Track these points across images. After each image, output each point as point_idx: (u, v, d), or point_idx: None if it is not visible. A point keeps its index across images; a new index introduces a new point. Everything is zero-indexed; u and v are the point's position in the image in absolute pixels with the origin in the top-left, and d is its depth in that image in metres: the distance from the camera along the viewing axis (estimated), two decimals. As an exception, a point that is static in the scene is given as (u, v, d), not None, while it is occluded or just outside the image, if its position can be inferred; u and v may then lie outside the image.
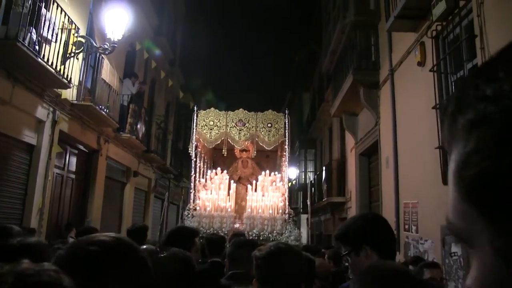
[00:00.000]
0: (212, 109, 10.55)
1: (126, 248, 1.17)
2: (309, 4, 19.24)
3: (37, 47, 6.48)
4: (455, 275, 4.71)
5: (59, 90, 7.75)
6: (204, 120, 10.25)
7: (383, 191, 8.22)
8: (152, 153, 13.72)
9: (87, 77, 9.03)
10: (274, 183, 10.02)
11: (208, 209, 9.42)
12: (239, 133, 10.11)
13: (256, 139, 10.07)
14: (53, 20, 6.94)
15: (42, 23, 6.67)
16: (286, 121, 10.24)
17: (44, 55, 6.63)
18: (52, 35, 6.97)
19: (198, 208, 9.57)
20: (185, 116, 18.70)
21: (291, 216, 9.70)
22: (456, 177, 0.38)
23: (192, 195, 10.03)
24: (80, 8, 8.73)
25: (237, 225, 9.48)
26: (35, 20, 6.42)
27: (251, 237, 8.27)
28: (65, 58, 7.59)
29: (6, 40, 5.87)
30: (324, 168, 14.41)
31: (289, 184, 13.02)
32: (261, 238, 8.62)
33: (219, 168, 10.45)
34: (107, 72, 9.52)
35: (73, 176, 9.33)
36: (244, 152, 10.88)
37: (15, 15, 6.13)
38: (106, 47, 8.28)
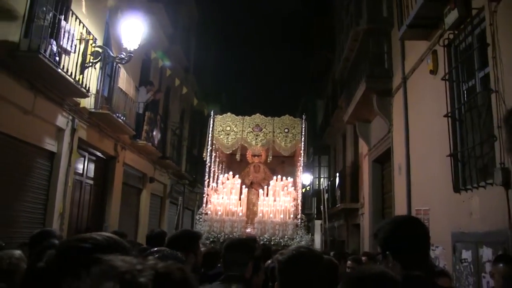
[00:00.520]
0: (229, 114, 10.56)
1: (117, 246, 1.23)
2: (322, 11, 19.31)
3: (57, 58, 6.70)
4: (465, 281, 4.74)
5: (78, 99, 7.97)
6: (220, 126, 10.29)
7: (396, 198, 8.25)
8: (168, 160, 13.93)
9: (104, 85, 9.25)
10: (286, 188, 10.01)
11: (219, 213, 9.46)
12: (256, 138, 10.13)
13: (273, 144, 10.05)
14: (72, 32, 7.17)
15: (62, 35, 6.89)
16: (303, 126, 10.21)
17: (63, 65, 6.85)
18: (71, 46, 7.19)
19: (209, 212, 9.61)
20: (199, 122, 18.90)
21: (303, 221, 9.65)
22: None
23: (204, 199, 10.07)
24: (97, 19, 8.97)
25: (248, 230, 9.52)
26: (55, 32, 6.66)
27: (262, 242, 8.31)
28: (83, 68, 7.83)
29: (28, 52, 6.09)
30: (337, 174, 14.44)
31: (303, 190, 13.03)
32: (272, 243, 8.65)
33: (231, 173, 10.52)
34: (124, 80, 9.74)
35: (91, 182, 9.55)
36: (256, 157, 10.93)
37: (37, 28, 6.36)
38: (123, 56, 8.52)
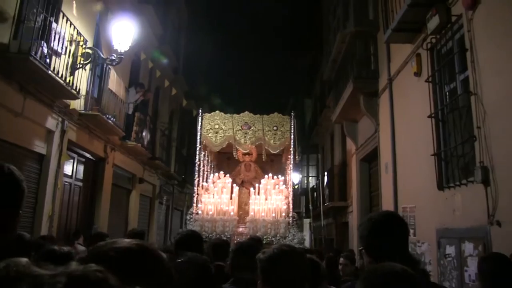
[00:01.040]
0: (217, 112, 10.53)
1: (148, 253, 1.20)
2: (310, 13, 19.51)
3: (48, 60, 6.73)
4: (449, 275, 4.92)
5: (68, 100, 8.00)
6: (209, 124, 10.28)
7: (383, 196, 8.42)
8: (157, 160, 13.98)
9: (94, 87, 9.29)
10: (277, 186, 10.04)
11: (210, 213, 9.45)
12: (245, 136, 10.14)
13: (262, 142, 10.04)
14: (62, 33, 7.20)
15: (52, 37, 6.92)
16: (292, 124, 10.22)
17: (54, 67, 6.87)
18: (61, 48, 7.23)
19: (200, 212, 9.59)
20: (188, 123, 18.96)
21: (294, 219, 9.64)
22: None
23: (195, 199, 10.03)
24: (88, 20, 9.00)
25: (240, 229, 9.53)
26: (46, 34, 6.68)
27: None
28: (73, 69, 7.86)
29: (19, 54, 6.11)
30: (326, 173, 14.61)
31: (293, 188, 13.10)
32: (264, 241, 8.73)
33: (221, 172, 10.55)
34: (114, 81, 9.78)
35: (80, 184, 9.57)
36: (247, 156, 10.93)
37: (27, 29, 6.38)
38: (114, 58, 8.57)
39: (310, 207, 14.86)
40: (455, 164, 5.31)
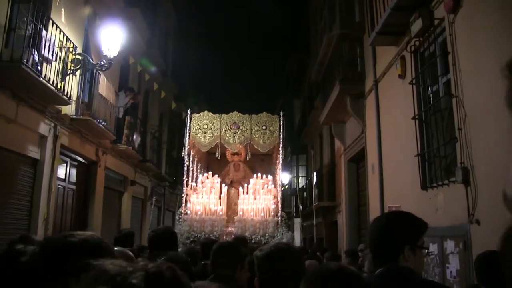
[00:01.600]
0: (206, 112, 10.51)
1: (102, 242, 1.31)
2: (297, 15, 19.70)
3: (39, 67, 6.83)
4: (432, 272, 5.13)
5: (59, 106, 8.09)
6: (198, 124, 10.26)
7: (370, 196, 8.61)
8: (148, 162, 14.10)
9: (85, 92, 9.36)
10: (266, 186, 10.07)
11: (199, 213, 9.48)
12: (234, 136, 10.13)
13: (251, 142, 10.06)
14: (52, 40, 7.29)
15: (43, 44, 7.02)
16: (281, 123, 10.23)
17: (45, 74, 6.97)
18: (52, 55, 7.32)
19: (189, 212, 9.60)
20: (178, 125, 19.04)
21: (283, 218, 9.67)
22: None
23: (184, 199, 10.03)
24: (76, 27, 9.08)
25: (229, 229, 9.55)
26: (37, 42, 6.78)
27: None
28: (64, 75, 7.95)
29: (11, 62, 6.20)
30: (315, 173, 14.79)
31: (282, 188, 13.16)
32: (253, 241, 8.65)
33: (210, 172, 10.58)
34: (104, 86, 9.87)
35: (73, 187, 9.66)
36: (236, 156, 10.92)
37: (18, 37, 6.48)
38: (103, 63, 8.69)
39: (300, 207, 15.02)
40: (438, 164, 5.51)
